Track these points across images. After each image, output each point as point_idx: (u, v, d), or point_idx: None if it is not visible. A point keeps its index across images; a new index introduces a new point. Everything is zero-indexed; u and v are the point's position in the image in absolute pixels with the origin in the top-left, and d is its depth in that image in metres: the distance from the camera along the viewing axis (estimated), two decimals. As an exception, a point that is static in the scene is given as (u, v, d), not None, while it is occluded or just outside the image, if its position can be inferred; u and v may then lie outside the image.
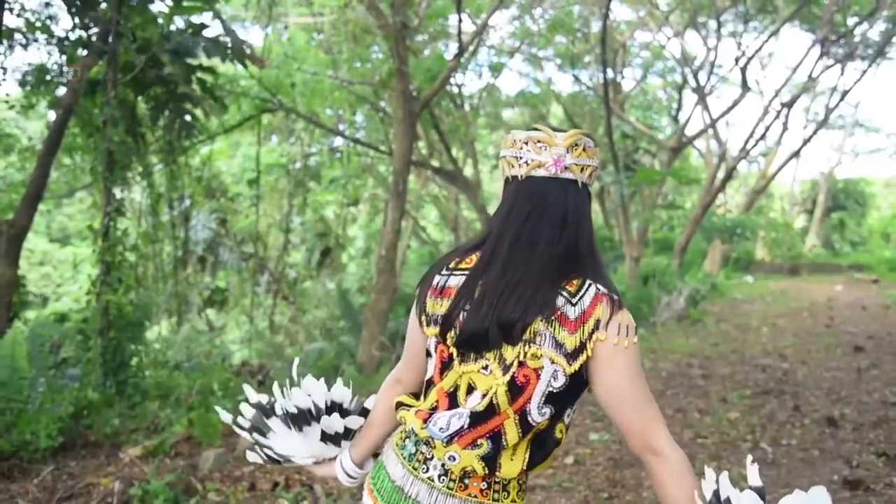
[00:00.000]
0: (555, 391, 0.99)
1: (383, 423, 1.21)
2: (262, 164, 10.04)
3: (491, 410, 0.99)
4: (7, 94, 5.11)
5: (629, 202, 10.60)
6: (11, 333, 3.66)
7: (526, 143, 1.05)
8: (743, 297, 11.20)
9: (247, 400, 1.25)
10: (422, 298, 1.10)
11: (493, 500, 1.04)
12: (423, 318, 1.08)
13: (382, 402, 1.21)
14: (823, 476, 3.06)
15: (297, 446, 1.21)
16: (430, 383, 1.10)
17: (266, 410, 1.23)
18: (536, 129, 1.06)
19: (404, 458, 1.10)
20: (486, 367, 1.01)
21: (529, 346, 0.98)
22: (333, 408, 1.21)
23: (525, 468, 1.02)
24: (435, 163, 10.90)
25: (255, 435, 1.23)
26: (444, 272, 1.09)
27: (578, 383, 1.00)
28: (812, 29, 11.07)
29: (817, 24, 10.48)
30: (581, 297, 0.99)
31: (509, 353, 0.99)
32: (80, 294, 7.38)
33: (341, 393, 1.23)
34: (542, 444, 1.03)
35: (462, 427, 1.00)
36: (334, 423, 1.18)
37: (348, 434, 1.21)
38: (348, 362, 6.08)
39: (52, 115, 4.95)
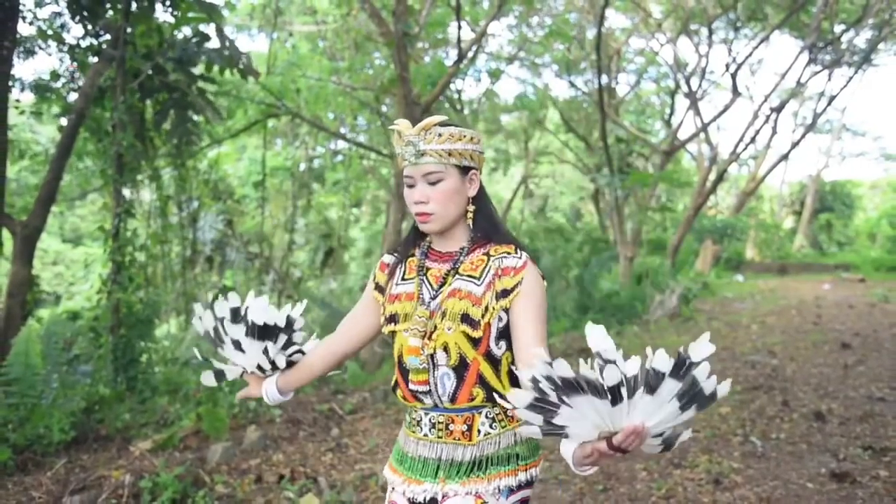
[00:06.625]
0: None
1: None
2: (267, 167, 10.04)
3: None
4: (17, 101, 5.17)
5: (623, 204, 10.73)
6: (26, 331, 3.69)
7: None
8: (733, 295, 11.24)
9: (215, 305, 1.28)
10: None
11: None
12: None
13: None
14: (811, 469, 3.09)
15: (246, 356, 1.28)
16: None
17: (237, 316, 1.26)
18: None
19: None
20: None
21: None
22: (290, 325, 1.28)
23: None
24: (434, 166, 10.90)
25: (213, 336, 1.28)
26: None
27: None
28: (800, 36, 11.26)
29: (805, 32, 10.66)
30: None
31: None
32: (91, 293, 7.43)
33: (295, 314, 1.30)
34: None
35: None
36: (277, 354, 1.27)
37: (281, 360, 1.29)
38: (350, 359, 6.15)
39: (63, 121, 5.02)
